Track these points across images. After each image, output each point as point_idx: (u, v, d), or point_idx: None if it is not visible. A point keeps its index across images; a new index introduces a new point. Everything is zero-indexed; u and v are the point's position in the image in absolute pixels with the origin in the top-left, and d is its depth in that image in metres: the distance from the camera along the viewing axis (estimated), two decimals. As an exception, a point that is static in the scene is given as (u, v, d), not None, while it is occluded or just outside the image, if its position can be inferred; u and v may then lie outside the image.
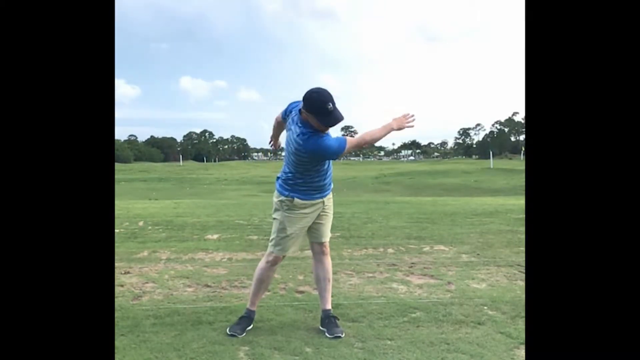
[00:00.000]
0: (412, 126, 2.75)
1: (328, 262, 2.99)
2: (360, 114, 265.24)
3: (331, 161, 2.83)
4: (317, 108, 2.57)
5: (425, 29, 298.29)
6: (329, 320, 2.83)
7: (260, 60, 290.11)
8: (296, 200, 2.77)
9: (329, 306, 2.91)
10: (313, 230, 2.94)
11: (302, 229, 2.86)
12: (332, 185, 2.94)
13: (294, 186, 2.77)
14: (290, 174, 2.76)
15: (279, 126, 3.05)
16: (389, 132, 2.73)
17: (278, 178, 2.88)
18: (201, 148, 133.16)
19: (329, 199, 2.94)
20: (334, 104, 2.58)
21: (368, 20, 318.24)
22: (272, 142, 3.23)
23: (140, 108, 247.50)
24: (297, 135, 2.64)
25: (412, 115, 2.75)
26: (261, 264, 2.93)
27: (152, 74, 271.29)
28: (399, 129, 2.74)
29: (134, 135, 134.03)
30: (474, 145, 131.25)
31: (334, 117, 2.59)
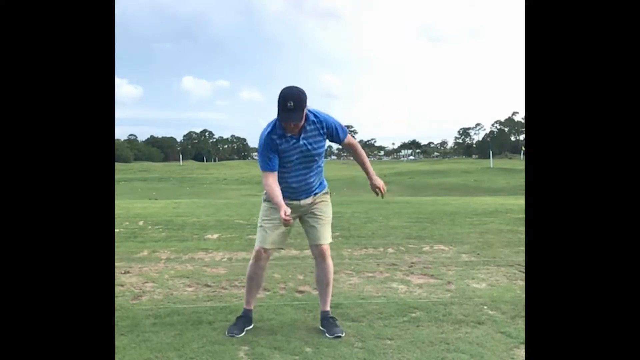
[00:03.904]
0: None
1: (327, 265, 2.89)
2: (360, 114, 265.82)
3: (299, 169, 2.76)
4: (278, 102, 2.59)
5: (428, 29, 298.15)
6: (327, 322, 2.84)
7: (262, 61, 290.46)
8: None
9: (327, 308, 2.91)
10: (308, 233, 2.95)
11: (275, 223, 2.79)
12: (308, 193, 2.85)
13: None
14: None
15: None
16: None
17: None
18: (201, 148, 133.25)
19: (315, 202, 2.88)
20: (298, 104, 2.57)
21: (370, 20, 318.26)
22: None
23: (142, 108, 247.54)
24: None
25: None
26: (250, 261, 2.96)
27: (155, 74, 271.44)
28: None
29: (134, 135, 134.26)
30: (474, 145, 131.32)
31: (285, 115, 2.58)
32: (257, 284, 2.96)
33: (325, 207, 2.92)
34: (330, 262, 2.91)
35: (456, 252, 5.09)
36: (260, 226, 2.88)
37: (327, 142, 2.89)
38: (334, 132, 2.81)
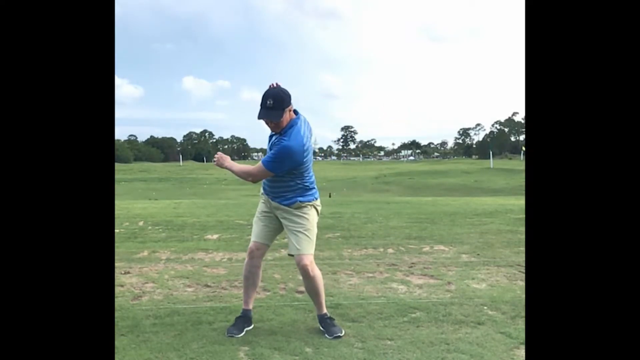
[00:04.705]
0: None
1: (311, 278, 2.81)
2: (360, 114, 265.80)
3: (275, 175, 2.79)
4: (261, 100, 2.66)
5: (428, 29, 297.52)
6: (325, 323, 2.83)
7: (262, 61, 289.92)
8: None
9: (323, 311, 2.89)
10: None
11: (258, 217, 2.96)
12: (274, 197, 2.84)
13: None
14: None
15: None
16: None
17: None
18: (201, 148, 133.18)
19: (288, 212, 2.83)
20: (277, 103, 2.61)
21: (370, 20, 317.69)
22: None
23: (142, 108, 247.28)
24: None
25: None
26: (245, 259, 2.98)
27: (155, 74, 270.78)
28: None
29: (134, 135, 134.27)
30: (474, 146, 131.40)
31: (263, 112, 2.64)
32: (253, 283, 2.96)
33: (298, 219, 2.81)
34: (312, 274, 2.80)
35: (456, 252, 5.09)
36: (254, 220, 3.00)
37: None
38: (270, 150, 2.75)
